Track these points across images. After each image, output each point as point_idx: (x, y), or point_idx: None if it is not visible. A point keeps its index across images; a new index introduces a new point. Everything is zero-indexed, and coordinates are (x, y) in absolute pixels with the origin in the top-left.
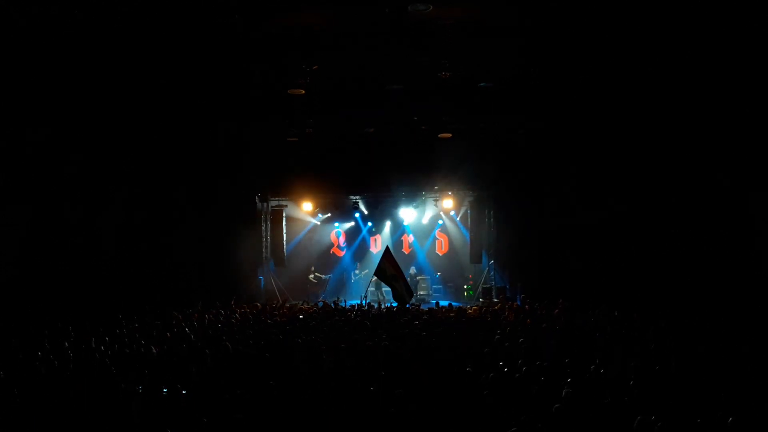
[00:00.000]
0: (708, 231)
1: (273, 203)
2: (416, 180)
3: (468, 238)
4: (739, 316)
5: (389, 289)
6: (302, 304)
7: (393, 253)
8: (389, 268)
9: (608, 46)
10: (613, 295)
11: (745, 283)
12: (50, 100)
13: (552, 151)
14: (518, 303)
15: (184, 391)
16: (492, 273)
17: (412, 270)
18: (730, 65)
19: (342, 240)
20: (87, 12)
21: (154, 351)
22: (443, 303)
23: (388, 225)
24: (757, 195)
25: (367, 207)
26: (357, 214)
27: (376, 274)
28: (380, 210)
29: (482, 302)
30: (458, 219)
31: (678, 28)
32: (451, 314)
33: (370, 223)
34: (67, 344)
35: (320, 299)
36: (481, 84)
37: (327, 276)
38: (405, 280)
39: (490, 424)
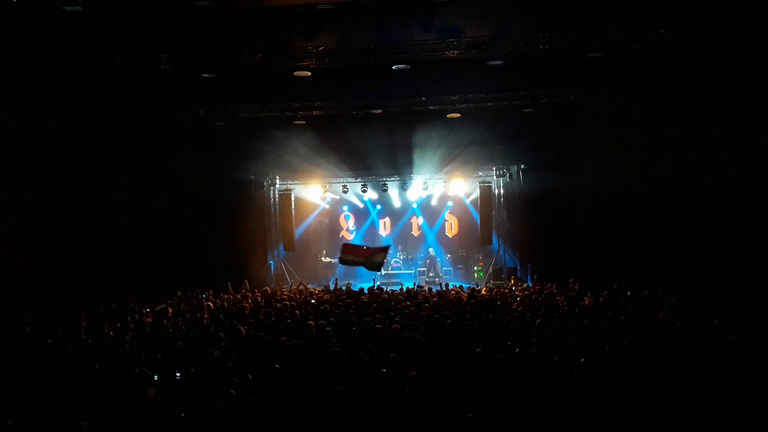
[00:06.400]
0: (721, 208)
1: (281, 187)
2: (425, 161)
3: (478, 219)
4: (752, 294)
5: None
6: (313, 288)
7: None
8: (351, 257)
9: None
10: (627, 273)
11: (759, 265)
12: (57, 88)
13: (564, 129)
14: (529, 284)
15: (197, 376)
16: (503, 254)
17: (431, 251)
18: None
19: (351, 223)
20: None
21: (166, 336)
22: (453, 284)
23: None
24: None
25: (376, 189)
26: (366, 198)
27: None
28: (388, 192)
29: (494, 284)
30: (468, 200)
31: None
32: (462, 295)
33: (379, 206)
34: (81, 330)
35: (331, 282)
36: (490, 62)
37: (337, 259)
38: (372, 254)
39: (501, 405)
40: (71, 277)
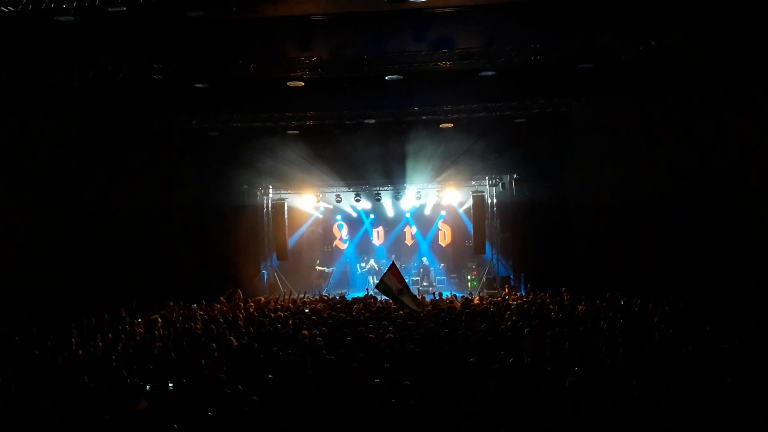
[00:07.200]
0: (716, 214)
1: (274, 197)
2: (418, 171)
3: (471, 228)
4: (745, 304)
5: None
6: (305, 297)
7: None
8: (395, 282)
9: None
10: (622, 281)
11: (753, 271)
12: (53, 92)
13: (557, 138)
14: (522, 293)
15: (189, 386)
16: (496, 263)
17: (424, 260)
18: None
19: (344, 233)
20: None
21: (158, 347)
22: (447, 293)
23: (389, 216)
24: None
25: (369, 199)
26: (359, 207)
27: (378, 287)
28: (382, 202)
29: (488, 293)
30: (461, 210)
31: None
32: (456, 304)
33: (372, 216)
34: (73, 341)
35: (324, 291)
36: (482, 73)
37: (330, 269)
38: (410, 291)
39: (495, 415)
40: (65, 281)
